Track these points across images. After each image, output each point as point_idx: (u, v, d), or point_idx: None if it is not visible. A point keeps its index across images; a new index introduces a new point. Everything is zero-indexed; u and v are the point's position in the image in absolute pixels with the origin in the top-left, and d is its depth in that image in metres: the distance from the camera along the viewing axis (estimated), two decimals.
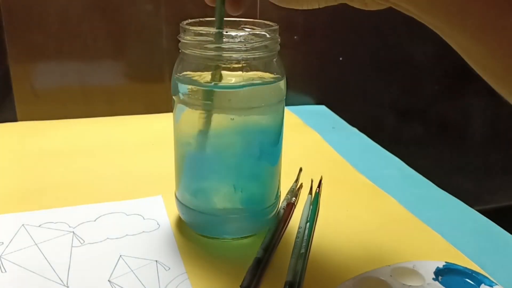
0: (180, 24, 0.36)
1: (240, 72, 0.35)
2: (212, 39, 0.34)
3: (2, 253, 0.36)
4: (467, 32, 0.22)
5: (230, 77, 0.35)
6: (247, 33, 0.35)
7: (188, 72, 0.36)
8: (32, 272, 0.34)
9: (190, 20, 0.37)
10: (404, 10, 0.25)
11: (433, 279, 0.34)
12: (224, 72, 0.35)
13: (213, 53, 0.34)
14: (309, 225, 0.41)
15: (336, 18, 0.78)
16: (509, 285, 0.35)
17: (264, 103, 0.36)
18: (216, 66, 0.35)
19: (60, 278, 0.34)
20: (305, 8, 0.31)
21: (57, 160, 0.53)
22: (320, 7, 0.30)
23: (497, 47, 0.22)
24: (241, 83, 0.35)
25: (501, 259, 0.39)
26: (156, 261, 0.36)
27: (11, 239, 0.38)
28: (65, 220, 0.41)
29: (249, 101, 0.36)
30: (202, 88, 0.35)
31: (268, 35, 0.35)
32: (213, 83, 0.35)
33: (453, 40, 0.24)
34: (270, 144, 0.38)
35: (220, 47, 0.34)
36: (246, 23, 0.38)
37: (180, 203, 0.39)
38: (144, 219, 0.41)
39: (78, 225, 0.40)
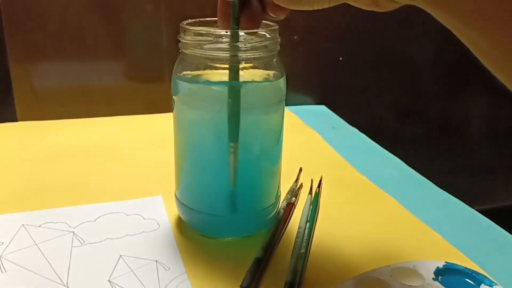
0: (180, 24, 0.36)
1: (240, 72, 0.35)
2: (212, 39, 0.34)
3: (2, 253, 0.36)
4: (482, 30, 0.22)
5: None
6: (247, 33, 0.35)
7: (188, 72, 0.36)
8: (32, 272, 0.34)
9: (190, 20, 0.37)
10: (419, 5, 0.25)
11: (433, 279, 0.34)
12: (224, 72, 0.35)
13: (215, 53, 0.34)
14: (309, 225, 0.41)
15: (336, 18, 0.78)
16: (509, 285, 0.35)
17: (264, 103, 0.36)
18: (232, 66, 0.34)
19: (60, 278, 0.34)
20: (315, 8, 0.30)
21: (57, 160, 0.53)
22: (331, 6, 0.30)
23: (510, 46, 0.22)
24: (241, 83, 0.35)
25: (501, 259, 0.39)
26: (156, 261, 0.36)
27: (11, 239, 0.38)
28: (65, 220, 0.41)
29: (249, 101, 0.36)
30: (201, 88, 0.35)
31: (268, 35, 0.35)
32: (213, 83, 0.35)
33: (466, 38, 0.24)
34: (270, 144, 0.38)
35: (237, 46, 0.34)
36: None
37: (180, 203, 0.39)
38: (144, 219, 0.41)
39: (78, 225, 0.40)
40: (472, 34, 0.23)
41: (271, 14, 0.33)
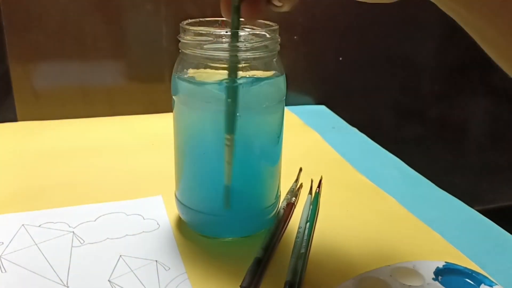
0: (180, 24, 0.36)
1: (240, 72, 0.35)
2: (212, 39, 0.34)
3: (2, 253, 0.36)
4: (486, 16, 0.22)
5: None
6: (247, 33, 0.35)
7: (188, 72, 0.36)
8: (32, 272, 0.34)
9: (190, 20, 0.37)
10: None
11: (433, 279, 0.34)
12: (224, 72, 0.35)
13: (214, 53, 0.34)
14: (309, 225, 0.41)
15: (335, 18, 0.78)
16: (509, 285, 0.35)
17: (264, 103, 0.36)
18: (232, 66, 0.34)
19: (60, 278, 0.34)
20: None
21: (57, 160, 0.53)
22: None
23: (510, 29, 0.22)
24: (241, 83, 0.35)
25: (501, 259, 0.39)
26: (156, 261, 0.36)
27: (11, 239, 0.38)
28: (65, 220, 0.41)
29: (249, 101, 0.36)
30: (201, 88, 0.35)
31: (268, 35, 0.35)
32: (215, 84, 0.35)
33: (471, 26, 0.24)
34: (270, 144, 0.38)
35: (237, 47, 0.33)
36: (246, 23, 0.38)
37: (180, 203, 0.39)
38: (144, 219, 0.41)
39: (78, 225, 0.40)
40: (476, 21, 0.23)
41: (276, 3, 0.32)
